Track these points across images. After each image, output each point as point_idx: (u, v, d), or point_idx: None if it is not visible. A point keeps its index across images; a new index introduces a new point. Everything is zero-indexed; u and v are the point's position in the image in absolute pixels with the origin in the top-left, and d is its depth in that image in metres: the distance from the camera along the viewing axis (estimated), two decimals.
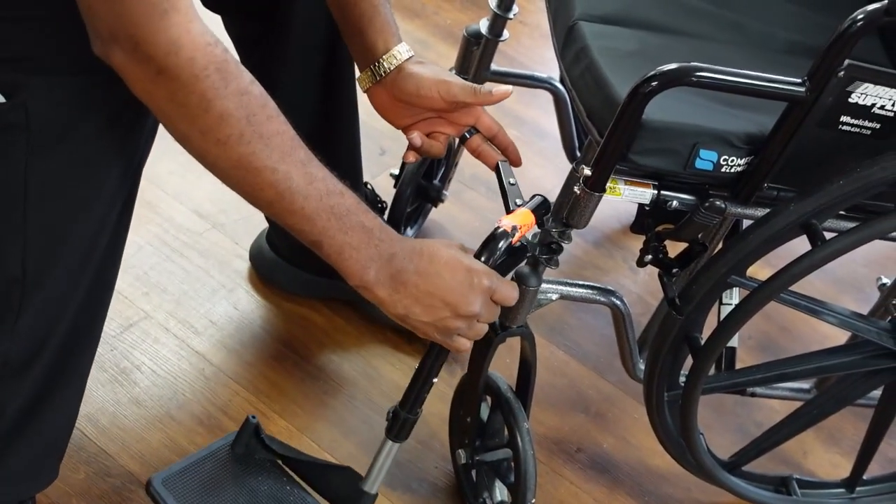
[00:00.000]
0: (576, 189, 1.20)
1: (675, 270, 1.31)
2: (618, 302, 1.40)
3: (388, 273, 1.05)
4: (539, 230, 1.23)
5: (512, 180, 1.26)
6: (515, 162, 1.29)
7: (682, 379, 1.39)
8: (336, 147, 1.55)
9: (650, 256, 1.29)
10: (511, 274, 1.20)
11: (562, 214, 1.25)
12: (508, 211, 1.21)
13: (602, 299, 1.39)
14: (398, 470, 1.53)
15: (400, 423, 1.24)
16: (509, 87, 1.24)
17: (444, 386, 1.64)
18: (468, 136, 1.29)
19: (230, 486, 1.33)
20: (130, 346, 1.59)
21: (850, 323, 1.36)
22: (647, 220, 1.30)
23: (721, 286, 1.27)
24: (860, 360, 1.41)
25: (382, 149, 2.05)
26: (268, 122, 0.94)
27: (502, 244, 1.13)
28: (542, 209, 1.19)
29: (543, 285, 1.32)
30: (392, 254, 1.05)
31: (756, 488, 1.58)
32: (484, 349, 1.37)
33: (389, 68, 1.23)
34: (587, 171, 1.18)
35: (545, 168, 2.06)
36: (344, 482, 1.29)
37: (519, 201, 1.21)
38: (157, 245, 1.74)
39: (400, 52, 1.23)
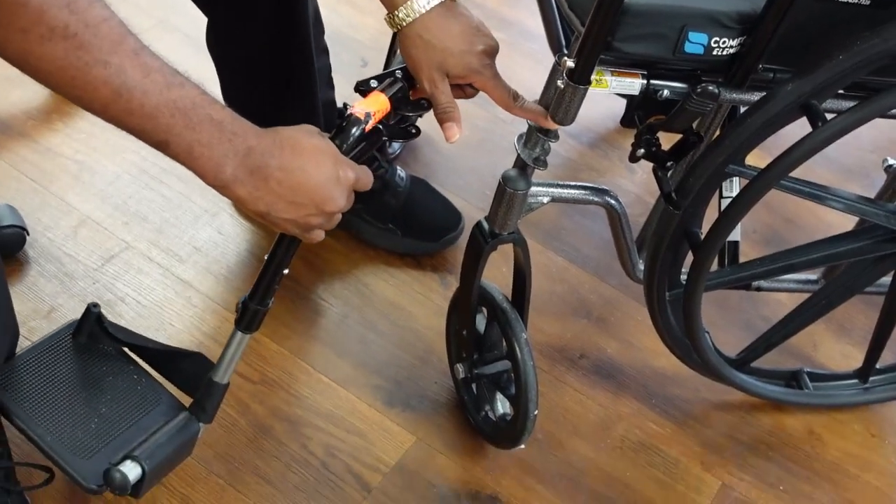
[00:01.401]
0: (559, 83, 1.13)
1: (669, 164, 1.25)
2: (612, 201, 1.34)
3: (246, 169, 0.95)
4: (397, 114, 1.13)
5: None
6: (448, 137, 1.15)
7: (684, 277, 1.34)
8: (289, 83, 1.46)
9: (643, 150, 1.23)
10: (364, 157, 1.10)
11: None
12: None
13: (596, 199, 1.33)
14: (396, 388, 1.49)
15: (249, 314, 1.17)
16: (456, 135, 1.13)
17: (439, 299, 1.60)
18: None
19: (70, 377, 1.25)
20: (113, 277, 1.54)
21: (857, 207, 1.30)
22: (637, 113, 1.23)
23: (719, 177, 1.21)
24: (869, 245, 1.35)
25: (364, 60, 1.98)
26: (90, 7, 0.83)
27: (355, 131, 1.05)
28: (398, 92, 1.11)
29: (533, 188, 1.27)
30: (249, 147, 0.94)
31: (766, 384, 1.54)
32: (475, 258, 1.31)
33: (406, 20, 1.11)
34: (570, 63, 1.11)
35: (534, 70, 1.97)
36: (196, 369, 1.21)
37: (375, 83, 1.12)
38: (135, 173, 1.68)
39: (419, 4, 1.09)
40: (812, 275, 1.56)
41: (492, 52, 1.14)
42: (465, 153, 1.81)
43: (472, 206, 1.74)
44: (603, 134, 1.94)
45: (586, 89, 1.13)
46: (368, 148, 1.10)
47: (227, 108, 0.95)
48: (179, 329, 1.50)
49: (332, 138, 1.04)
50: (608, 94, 1.20)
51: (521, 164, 1.25)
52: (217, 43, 1.41)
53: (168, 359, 1.29)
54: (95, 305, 1.29)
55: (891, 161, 1.44)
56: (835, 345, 1.70)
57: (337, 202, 1.01)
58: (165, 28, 1.95)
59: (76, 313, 1.46)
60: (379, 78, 1.13)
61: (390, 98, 1.10)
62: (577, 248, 1.75)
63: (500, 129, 1.88)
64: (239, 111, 1.48)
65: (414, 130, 1.15)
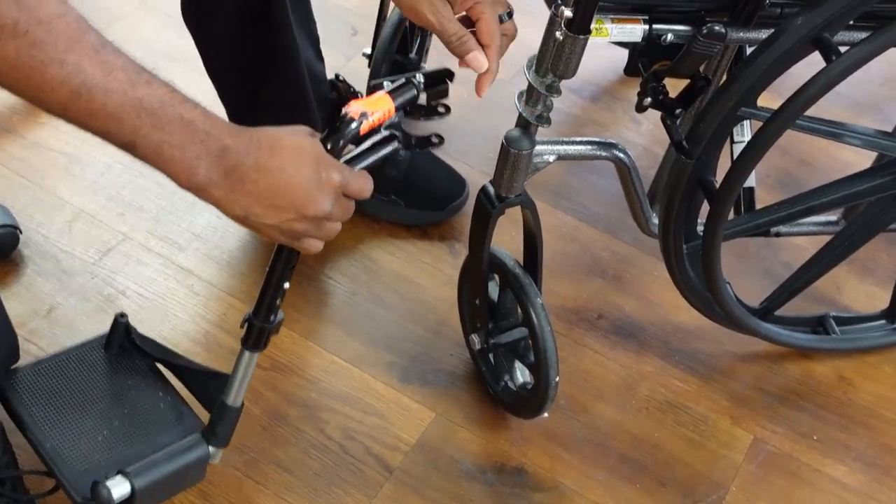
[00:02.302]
0: (558, 35, 1.08)
1: (678, 111, 1.20)
2: (620, 154, 1.28)
3: (221, 170, 0.88)
4: (401, 115, 1.05)
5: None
6: (477, 89, 1.09)
7: (700, 228, 1.29)
8: (274, 71, 1.40)
9: (649, 99, 1.18)
10: (367, 163, 1.02)
11: (545, 65, 1.13)
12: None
13: (604, 154, 1.28)
14: (411, 363, 1.45)
15: (255, 332, 1.11)
16: (484, 63, 1.06)
17: (448, 269, 1.55)
18: None
19: (89, 387, 1.21)
20: (112, 271, 1.49)
21: (876, 142, 1.25)
22: (641, 60, 1.18)
23: (731, 121, 1.16)
24: (890, 181, 1.30)
25: (354, 28, 1.92)
26: (42, 3, 0.77)
27: (348, 132, 0.96)
28: (402, 92, 1.01)
29: (538, 147, 1.22)
30: (223, 147, 0.88)
31: (792, 332, 1.50)
32: (482, 224, 1.26)
33: None
34: (568, 13, 1.06)
35: (531, 26, 1.91)
36: (218, 388, 1.17)
37: (388, 83, 1.02)
38: (127, 162, 1.60)
39: None
40: (832, 216, 1.51)
41: None
42: (464, 117, 1.76)
43: (476, 172, 1.68)
44: (605, 86, 1.89)
45: (586, 39, 1.08)
46: (370, 153, 1.02)
47: (200, 107, 0.88)
48: (184, 319, 1.45)
49: (323, 139, 0.97)
50: (608, 42, 1.15)
51: (523, 123, 1.20)
52: (192, 14, 1.35)
53: (195, 376, 1.24)
54: (123, 316, 1.24)
55: None
56: (859, 286, 1.65)
57: (319, 205, 0.93)
58: (147, 11, 1.89)
59: (76, 311, 1.43)
60: (395, 80, 1.03)
61: (395, 100, 1.00)
62: (587, 205, 1.69)
63: (499, 89, 1.79)
64: (223, 87, 1.45)
65: (436, 140, 1.08)
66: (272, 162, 0.91)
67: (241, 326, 1.13)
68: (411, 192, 1.59)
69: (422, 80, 1.03)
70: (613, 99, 1.87)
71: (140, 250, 1.53)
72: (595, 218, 1.68)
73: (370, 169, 1.02)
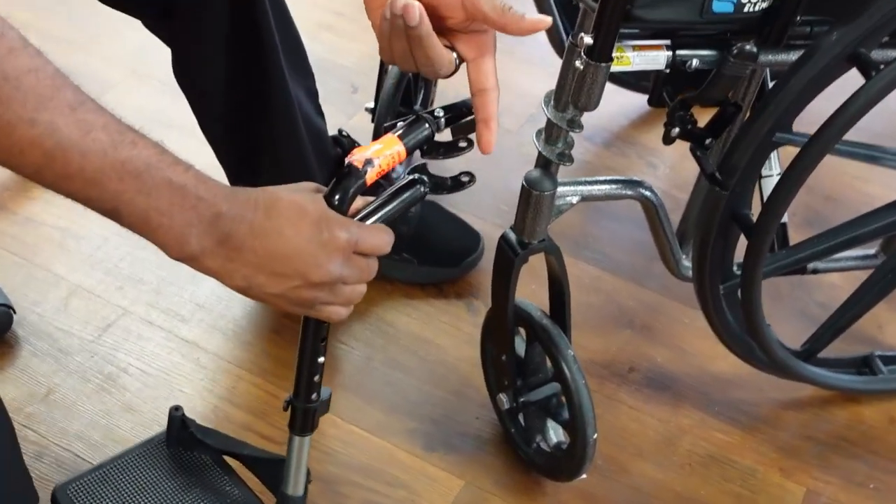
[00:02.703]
0: (577, 64, 1.01)
1: (708, 141, 1.13)
2: (647, 193, 1.21)
3: (214, 238, 0.81)
4: (420, 159, 0.96)
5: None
6: (482, 148, 0.94)
7: (736, 268, 1.21)
8: (269, 130, 1.33)
9: (677, 129, 1.11)
10: (386, 214, 0.91)
11: (565, 99, 1.06)
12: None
13: (629, 193, 1.20)
14: (435, 429, 1.36)
15: (300, 415, 1.03)
16: (547, 19, 0.89)
17: (468, 327, 1.47)
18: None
19: (157, 490, 1.14)
20: (112, 348, 1.41)
21: None
22: (665, 89, 1.11)
23: (766, 147, 1.09)
24: None
25: (354, 86, 1.86)
26: (11, 56, 0.70)
27: (354, 183, 0.86)
28: (413, 131, 0.91)
29: (560, 188, 1.14)
30: (217, 213, 0.80)
31: (837, 374, 1.41)
32: (505, 275, 1.18)
33: None
34: (588, 40, 0.99)
35: (532, 75, 1.87)
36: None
37: (400, 123, 0.92)
38: (125, 233, 1.51)
39: None
40: (870, 249, 1.43)
41: None
42: (473, 169, 1.68)
43: (489, 224, 1.61)
44: (617, 132, 1.82)
45: (608, 67, 1.01)
46: (394, 203, 0.92)
47: (193, 169, 0.81)
48: (191, 395, 1.36)
49: (326, 195, 0.87)
50: (629, 73, 1.08)
51: (543, 163, 1.13)
52: (183, 73, 1.29)
53: (261, 464, 1.16)
54: (177, 409, 1.16)
55: None
56: None
57: (325, 270, 0.84)
58: (139, 78, 1.83)
59: (76, 393, 1.35)
60: (407, 119, 0.93)
61: (404, 141, 0.90)
62: (608, 254, 1.61)
63: (505, 140, 1.76)
64: (220, 147, 1.37)
65: (467, 178, 0.98)
66: (269, 224, 0.83)
67: (285, 409, 1.04)
68: (424, 248, 1.51)
69: (441, 114, 0.94)
70: (626, 144, 1.80)
71: (141, 324, 1.44)
72: (618, 266, 1.60)
73: (391, 222, 0.94)
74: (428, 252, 1.52)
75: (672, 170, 1.76)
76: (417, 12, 0.86)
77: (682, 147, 1.80)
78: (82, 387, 1.36)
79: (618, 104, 1.83)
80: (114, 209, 0.77)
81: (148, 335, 1.43)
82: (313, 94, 1.42)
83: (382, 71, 1.57)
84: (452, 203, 1.61)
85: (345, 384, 1.40)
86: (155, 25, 1.27)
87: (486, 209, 1.63)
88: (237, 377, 1.40)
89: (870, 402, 1.45)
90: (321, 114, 1.44)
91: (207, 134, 1.36)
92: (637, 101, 1.83)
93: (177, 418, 1.16)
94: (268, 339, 1.44)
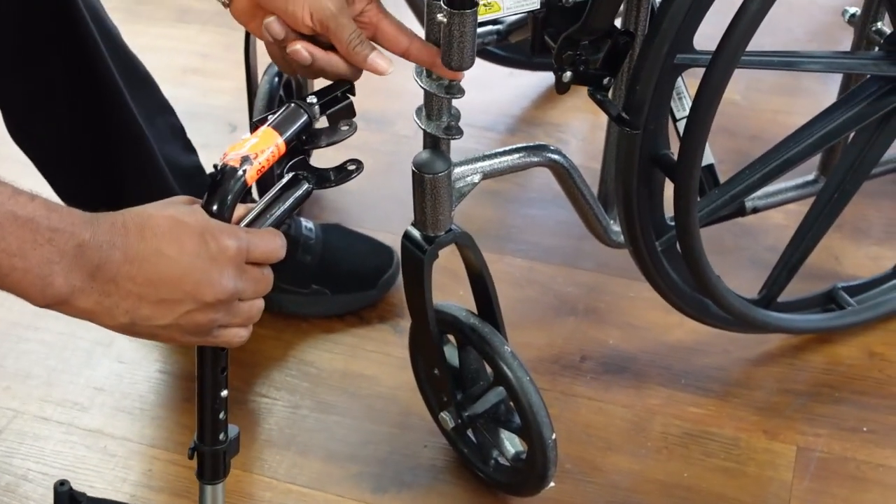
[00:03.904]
0: (440, 17, 0.88)
1: (606, 80, 1.00)
2: (555, 157, 1.08)
3: (83, 273, 0.70)
4: (302, 155, 0.87)
5: None
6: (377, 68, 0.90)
7: (670, 219, 1.09)
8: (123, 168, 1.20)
9: (569, 73, 0.98)
10: (276, 218, 0.83)
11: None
12: None
13: (536, 159, 1.08)
14: (382, 468, 1.21)
15: (208, 460, 0.90)
16: (388, 65, 0.89)
17: (398, 351, 1.33)
18: None
19: None
20: (6, 455, 1.24)
21: (838, 63, 1.08)
22: (547, 32, 0.99)
23: (669, 72, 0.97)
24: (867, 106, 1.11)
25: (232, 124, 1.73)
26: None
27: (234, 186, 0.77)
28: (289, 120, 0.82)
29: (458, 168, 1.02)
30: (80, 243, 0.70)
31: (803, 316, 1.29)
32: (416, 278, 1.05)
33: None
34: None
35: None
36: None
37: (271, 116, 0.84)
38: (3, 329, 1.39)
39: None
40: (808, 176, 1.32)
41: None
42: (373, 183, 1.56)
43: (400, 236, 1.47)
44: (519, 115, 1.70)
45: (475, 13, 0.88)
46: (281, 204, 0.83)
47: (40, 198, 0.69)
48: (102, 488, 1.20)
49: (204, 204, 0.78)
50: (503, 16, 0.95)
51: (431, 143, 1.00)
52: (18, 129, 1.15)
53: None
54: (62, 483, 1.00)
55: (851, 10, 1.20)
56: (857, 250, 1.46)
57: (219, 286, 0.75)
58: None
59: None
60: (278, 110, 0.85)
61: (282, 132, 0.81)
62: (534, 242, 1.49)
63: (405, 147, 1.64)
64: (79, 202, 1.23)
65: (353, 166, 0.87)
66: (145, 246, 0.73)
67: (190, 458, 0.91)
68: (334, 276, 1.37)
69: (315, 101, 0.84)
70: (532, 126, 1.69)
71: (36, 423, 1.28)
72: (547, 253, 1.47)
73: (284, 232, 0.83)
74: (339, 279, 1.38)
75: (584, 141, 1.65)
76: (306, 54, 0.87)
77: (591, 116, 1.70)
78: None
79: (513, 87, 1.71)
80: None
81: (45, 433, 1.27)
82: (177, 130, 1.28)
83: (251, 95, 1.43)
84: (355, 221, 1.48)
85: (273, 440, 1.25)
86: None
87: (393, 220, 1.49)
88: (152, 458, 1.24)
89: (844, 339, 1.34)
90: (191, 149, 1.31)
91: (64, 196, 1.22)
92: (533, 80, 1.72)
93: (63, 494, 1.00)
94: (180, 410, 1.29)
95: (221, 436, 0.89)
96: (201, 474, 0.91)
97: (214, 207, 0.77)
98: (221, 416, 0.88)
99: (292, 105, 0.83)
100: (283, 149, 0.81)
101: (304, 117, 0.83)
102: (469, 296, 1.11)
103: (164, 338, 0.78)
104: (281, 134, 0.81)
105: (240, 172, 0.77)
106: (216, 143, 1.65)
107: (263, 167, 0.79)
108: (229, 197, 0.77)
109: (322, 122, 0.88)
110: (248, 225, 0.81)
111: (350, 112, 0.89)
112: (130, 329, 0.75)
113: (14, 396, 1.32)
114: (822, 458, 1.21)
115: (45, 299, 0.71)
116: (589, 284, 1.42)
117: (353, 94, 0.89)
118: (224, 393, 0.87)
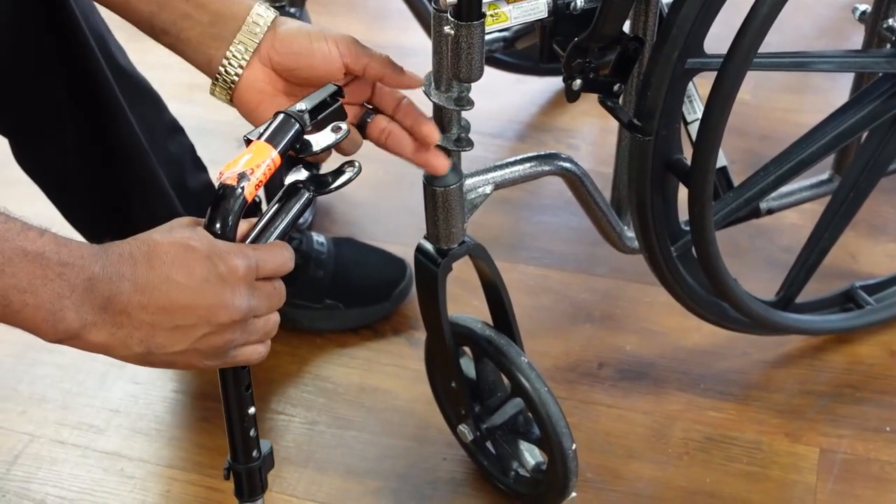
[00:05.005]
0: (448, 30, 0.87)
1: (616, 87, 0.99)
2: (566, 164, 1.07)
3: (94, 306, 0.71)
4: (305, 167, 0.85)
5: None
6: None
7: (684, 223, 1.08)
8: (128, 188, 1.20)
9: (579, 81, 0.97)
10: (280, 230, 0.82)
11: (445, 76, 0.93)
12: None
13: (547, 168, 1.07)
14: (401, 483, 1.20)
15: (244, 479, 0.90)
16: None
17: (414, 363, 1.33)
18: (368, 119, 0.94)
19: None
20: (24, 481, 1.24)
21: (850, 61, 1.07)
22: (555, 41, 0.98)
23: (680, 77, 0.96)
24: (880, 104, 1.10)
25: (240, 140, 1.71)
26: None
27: (234, 204, 0.76)
28: (280, 130, 0.80)
29: (469, 179, 1.01)
30: (90, 276, 0.70)
31: (822, 316, 1.28)
32: (431, 291, 1.04)
33: (264, 28, 0.88)
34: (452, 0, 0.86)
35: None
36: None
37: (255, 135, 0.82)
38: (18, 352, 1.39)
39: (265, 11, 0.89)
40: (823, 175, 1.31)
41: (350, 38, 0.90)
42: (384, 195, 1.55)
43: (412, 248, 1.45)
44: (528, 122, 1.69)
45: (482, 25, 0.87)
46: (283, 216, 0.83)
47: (49, 233, 0.70)
48: None
49: (206, 225, 0.77)
50: (510, 26, 0.94)
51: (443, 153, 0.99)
52: (25, 156, 1.14)
53: None
54: None
55: (861, 7, 1.19)
56: (874, 248, 1.45)
57: (233, 307, 0.75)
58: None
59: None
60: (266, 123, 0.83)
61: (275, 144, 0.79)
62: (548, 250, 1.48)
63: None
64: (88, 230, 1.23)
65: (351, 168, 0.86)
66: (154, 274, 0.73)
67: (226, 478, 0.91)
68: (347, 289, 1.37)
69: (304, 108, 0.82)
70: (541, 132, 1.68)
71: (52, 447, 1.27)
72: (561, 260, 1.46)
73: (295, 248, 0.82)
74: (352, 293, 1.37)
75: (594, 146, 1.64)
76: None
77: (600, 121, 1.68)
78: None
79: (521, 93, 1.70)
80: None
81: (62, 457, 1.26)
82: (186, 149, 1.28)
83: None
84: (367, 233, 1.47)
85: (291, 457, 1.24)
86: None
87: (405, 232, 1.48)
88: (170, 479, 1.23)
89: (864, 338, 1.33)
90: (202, 167, 1.30)
91: (74, 222, 1.21)
92: (541, 85, 1.71)
93: None
94: (196, 430, 1.28)
95: (255, 453, 0.89)
96: (240, 493, 0.91)
97: (217, 228, 0.77)
98: (252, 433, 0.88)
99: (282, 115, 0.81)
100: (278, 161, 0.80)
101: (296, 126, 0.82)
102: (484, 306, 1.10)
103: (182, 364, 0.77)
104: (275, 146, 0.80)
105: (238, 190, 0.76)
106: (225, 159, 1.63)
107: (261, 181, 0.78)
108: (230, 217, 0.77)
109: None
110: (254, 240, 0.81)
111: (341, 115, 0.87)
112: (147, 358, 0.75)
113: (30, 420, 1.31)
114: (846, 459, 1.20)
115: (56, 334, 0.71)
116: (604, 290, 1.41)
117: (343, 97, 0.87)
118: (251, 410, 0.87)
